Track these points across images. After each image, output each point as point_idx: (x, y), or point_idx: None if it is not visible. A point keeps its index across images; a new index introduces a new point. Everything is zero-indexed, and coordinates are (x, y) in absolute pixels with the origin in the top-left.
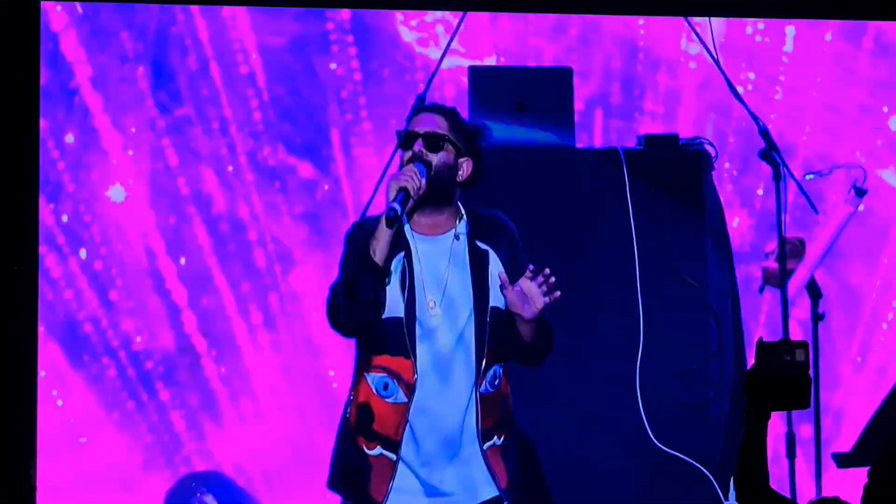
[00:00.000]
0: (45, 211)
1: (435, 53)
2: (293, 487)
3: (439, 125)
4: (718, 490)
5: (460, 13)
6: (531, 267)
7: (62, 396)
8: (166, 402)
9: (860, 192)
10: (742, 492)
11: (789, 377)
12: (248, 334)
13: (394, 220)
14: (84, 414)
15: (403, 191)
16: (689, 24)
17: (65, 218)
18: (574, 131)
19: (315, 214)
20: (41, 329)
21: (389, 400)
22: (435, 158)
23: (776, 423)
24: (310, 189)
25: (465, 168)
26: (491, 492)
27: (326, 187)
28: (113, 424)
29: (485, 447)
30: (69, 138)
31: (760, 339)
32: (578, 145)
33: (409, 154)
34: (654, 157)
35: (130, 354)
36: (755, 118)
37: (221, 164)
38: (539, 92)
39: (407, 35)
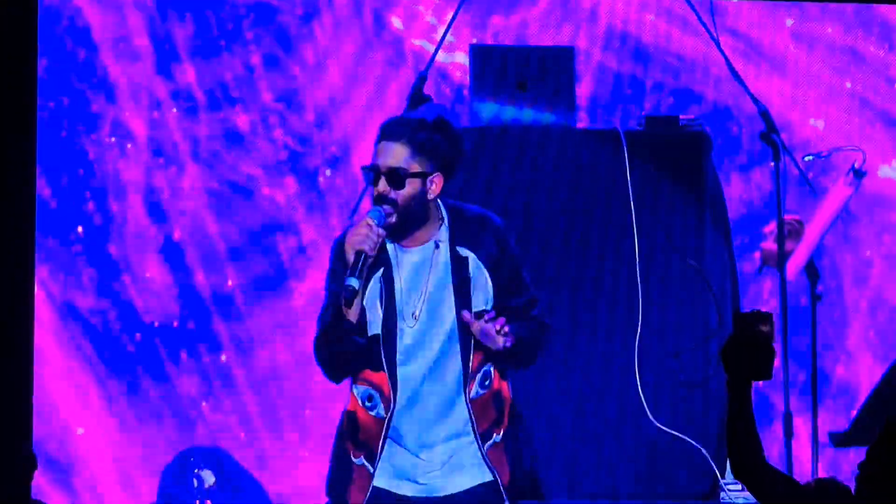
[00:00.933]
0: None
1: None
2: (290, 465)
3: (401, 157)
4: (715, 468)
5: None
6: (490, 313)
7: (59, 376)
8: (165, 381)
9: (859, 174)
10: (737, 464)
11: (760, 348)
12: (249, 311)
13: (352, 299)
14: (82, 391)
15: (361, 254)
16: (691, 4)
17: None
18: (575, 111)
19: (317, 192)
20: (38, 303)
21: (372, 413)
22: (400, 196)
23: (776, 402)
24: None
25: (436, 184)
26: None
27: (329, 173)
28: (110, 402)
29: (485, 449)
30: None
31: (736, 310)
32: (579, 125)
33: (375, 192)
34: (654, 137)
35: (128, 330)
36: (755, 100)
37: (223, 137)
38: (540, 71)
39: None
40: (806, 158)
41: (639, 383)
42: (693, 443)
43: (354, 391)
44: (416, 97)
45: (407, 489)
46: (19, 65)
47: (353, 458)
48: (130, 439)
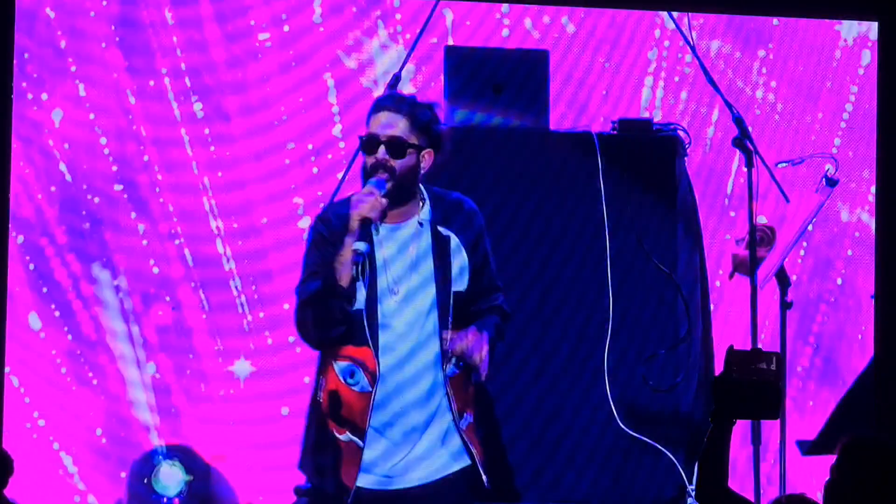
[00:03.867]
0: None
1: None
2: (263, 465)
3: (400, 127)
4: (683, 474)
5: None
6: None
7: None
8: (136, 375)
9: (831, 182)
10: (704, 492)
11: (761, 385)
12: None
13: (363, 262)
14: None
15: (366, 221)
16: (672, 17)
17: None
18: (548, 114)
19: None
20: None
21: (356, 388)
22: (398, 164)
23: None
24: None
25: (427, 160)
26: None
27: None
28: (79, 391)
29: (462, 426)
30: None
31: (731, 347)
32: (552, 128)
33: (372, 160)
34: (627, 141)
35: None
36: (730, 106)
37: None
38: (514, 74)
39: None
40: (779, 165)
41: (608, 388)
42: (662, 448)
43: (335, 369)
44: None
45: (374, 482)
46: None
47: (338, 435)
48: (97, 431)
